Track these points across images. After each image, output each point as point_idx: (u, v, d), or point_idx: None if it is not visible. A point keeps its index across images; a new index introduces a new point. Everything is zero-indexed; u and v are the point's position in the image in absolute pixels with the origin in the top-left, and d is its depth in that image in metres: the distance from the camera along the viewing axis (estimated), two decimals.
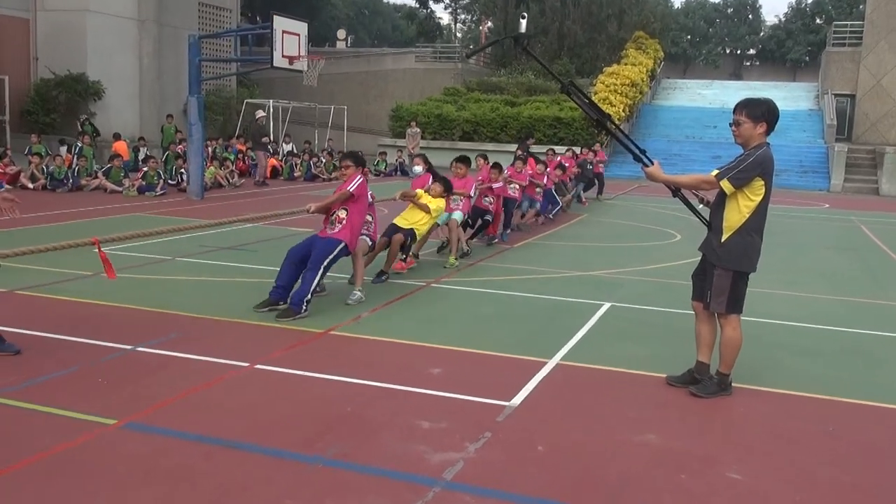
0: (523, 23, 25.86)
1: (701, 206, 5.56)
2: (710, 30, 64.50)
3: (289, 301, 6.86)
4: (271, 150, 23.68)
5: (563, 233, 13.50)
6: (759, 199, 5.01)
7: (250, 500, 3.61)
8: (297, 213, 9.04)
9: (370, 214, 8.02)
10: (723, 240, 5.10)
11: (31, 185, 16.90)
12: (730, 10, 64.92)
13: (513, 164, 12.96)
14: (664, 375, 5.57)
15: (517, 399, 5.02)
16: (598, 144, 21.31)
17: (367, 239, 8.07)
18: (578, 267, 10.04)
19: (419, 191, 9.11)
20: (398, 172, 25.37)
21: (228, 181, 19.32)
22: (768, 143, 5.04)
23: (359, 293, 7.54)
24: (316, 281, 6.88)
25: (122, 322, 6.54)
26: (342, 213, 7.27)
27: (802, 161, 29.45)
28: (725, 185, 4.98)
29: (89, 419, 4.42)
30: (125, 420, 4.43)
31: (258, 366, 5.49)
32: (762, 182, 4.98)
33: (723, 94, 37.98)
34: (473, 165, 11.31)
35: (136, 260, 9.26)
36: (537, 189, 13.70)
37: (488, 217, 11.16)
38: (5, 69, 24.64)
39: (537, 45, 38.76)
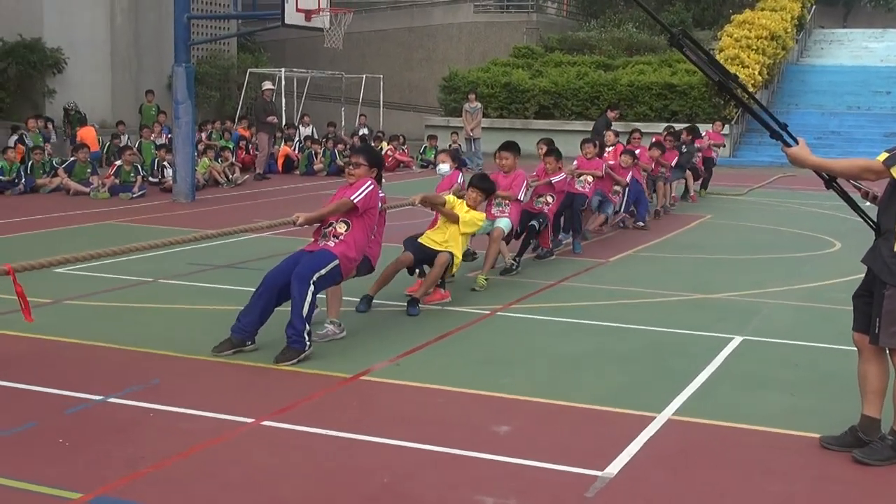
0: None
1: (865, 202, 5.48)
2: None
3: (286, 338, 6.79)
4: (282, 135, 24.03)
5: (677, 240, 13.41)
6: None
7: None
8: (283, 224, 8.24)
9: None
10: None
11: None
12: None
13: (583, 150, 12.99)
14: (817, 436, 5.50)
15: (613, 468, 5.00)
16: (718, 124, 21.32)
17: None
18: (698, 287, 9.96)
19: (448, 196, 9.00)
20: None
21: (227, 177, 19.67)
22: None
23: (331, 327, 7.47)
24: (308, 303, 6.75)
25: (89, 365, 6.71)
26: (341, 227, 7.17)
27: None
28: None
29: (47, 492, 4.54)
30: (94, 494, 4.53)
31: (266, 422, 5.58)
32: None
33: None
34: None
35: (108, 283, 9.50)
36: (615, 187, 13.54)
37: (534, 222, 10.78)
38: None
39: None
